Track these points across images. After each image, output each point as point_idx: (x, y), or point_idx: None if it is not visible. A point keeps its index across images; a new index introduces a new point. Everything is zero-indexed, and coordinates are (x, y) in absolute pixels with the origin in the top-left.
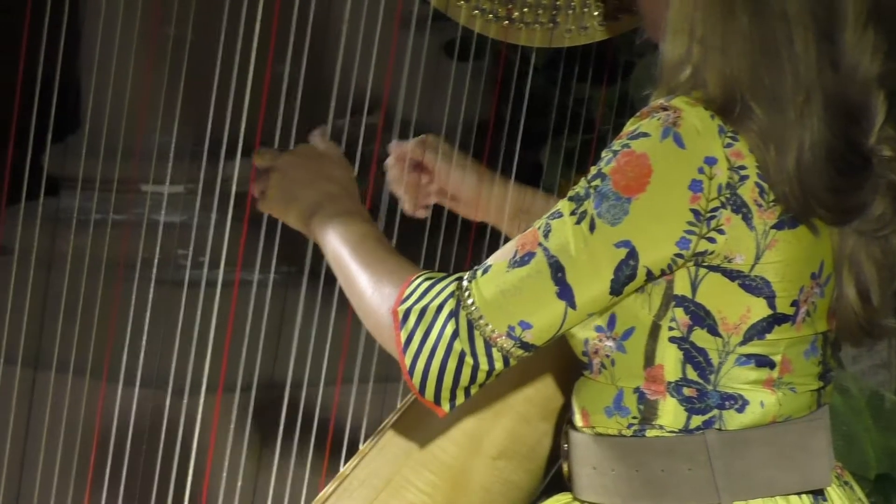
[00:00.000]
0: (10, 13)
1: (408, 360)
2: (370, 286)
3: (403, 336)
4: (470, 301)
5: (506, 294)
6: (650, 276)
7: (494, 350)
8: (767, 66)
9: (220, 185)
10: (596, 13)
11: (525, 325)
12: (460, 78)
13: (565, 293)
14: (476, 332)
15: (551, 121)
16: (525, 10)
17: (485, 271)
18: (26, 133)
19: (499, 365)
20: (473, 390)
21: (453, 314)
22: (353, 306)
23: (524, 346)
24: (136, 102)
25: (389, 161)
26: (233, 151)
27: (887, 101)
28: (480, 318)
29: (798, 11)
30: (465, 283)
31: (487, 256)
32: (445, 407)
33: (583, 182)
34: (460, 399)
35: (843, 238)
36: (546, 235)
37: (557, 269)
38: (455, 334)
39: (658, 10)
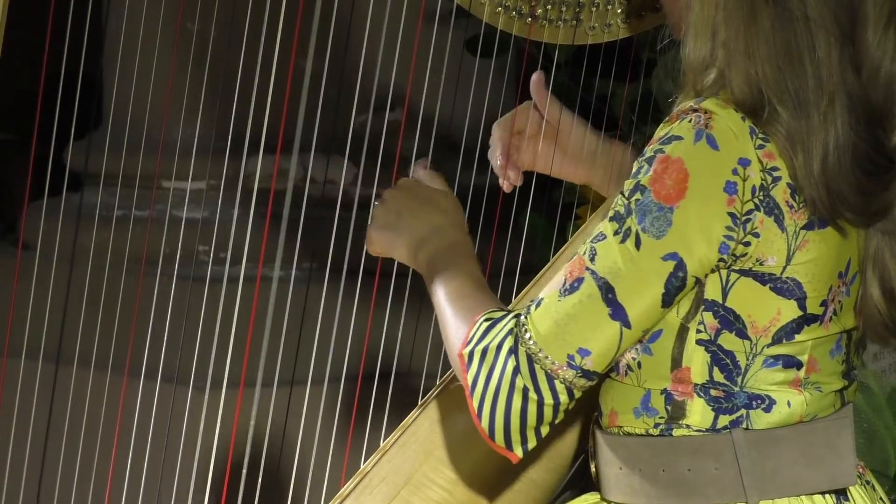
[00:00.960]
0: (34, 9)
1: (475, 403)
2: (454, 327)
3: (469, 379)
4: (528, 336)
5: (560, 323)
6: (697, 283)
7: (557, 382)
8: (791, 71)
9: (243, 181)
10: (619, 11)
11: (584, 353)
12: (483, 75)
13: (618, 313)
14: (537, 367)
15: None
16: (549, 7)
17: (538, 304)
18: (49, 129)
19: (563, 398)
20: (544, 430)
21: (513, 351)
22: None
23: (585, 374)
24: (158, 98)
25: (495, 136)
26: (255, 148)
27: None
28: (540, 351)
29: (819, 15)
30: (521, 318)
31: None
32: (518, 451)
33: (621, 199)
34: (532, 441)
35: (867, 238)
36: (592, 259)
37: (608, 291)
38: (516, 371)
39: (679, 11)
